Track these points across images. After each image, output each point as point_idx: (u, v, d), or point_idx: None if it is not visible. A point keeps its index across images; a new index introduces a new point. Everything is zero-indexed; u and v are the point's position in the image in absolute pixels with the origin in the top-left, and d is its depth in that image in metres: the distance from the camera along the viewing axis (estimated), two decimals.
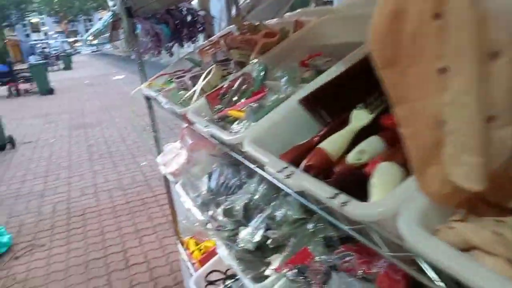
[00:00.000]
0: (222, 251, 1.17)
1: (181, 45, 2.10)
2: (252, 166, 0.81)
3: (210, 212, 1.20)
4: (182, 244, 2.27)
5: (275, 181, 0.70)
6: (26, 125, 8.41)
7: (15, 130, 7.76)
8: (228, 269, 1.81)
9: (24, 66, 17.15)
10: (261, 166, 0.77)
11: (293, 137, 0.84)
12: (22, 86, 13.44)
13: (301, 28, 1.40)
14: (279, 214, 1.03)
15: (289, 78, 1.06)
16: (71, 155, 5.84)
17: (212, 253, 2.03)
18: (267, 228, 1.05)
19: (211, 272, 1.84)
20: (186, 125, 1.88)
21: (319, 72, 1.10)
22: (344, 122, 0.75)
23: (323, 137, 0.75)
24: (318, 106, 0.79)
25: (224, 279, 1.80)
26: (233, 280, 1.76)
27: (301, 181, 0.59)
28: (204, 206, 1.40)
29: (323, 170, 0.68)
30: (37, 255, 3.14)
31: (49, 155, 5.94)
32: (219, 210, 1.21)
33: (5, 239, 3.29)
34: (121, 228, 3.46)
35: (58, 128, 7.89)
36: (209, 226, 1.29)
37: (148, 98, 2.01)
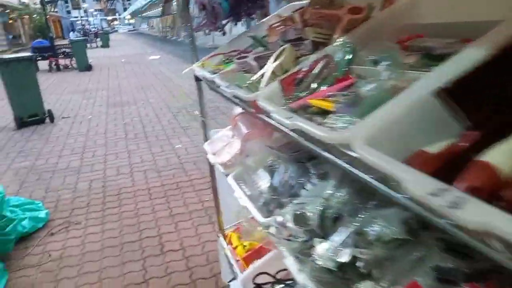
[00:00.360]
0: (291, 264, 0.99)
1: (236, 23, 1.90)
2: (365, 177, 0.62)
3: (279, 218, 1.01)
4: (225, 237, 2.12)
5: (418, 208, 0.50)
6: (65, 100, 8.54)
7: (54, 104, 7.90)
8: (279, 272, 1.64)
9: (64, 42, 17.52)
10: (383, 179, 0.57)
11: (416, 140, 0.64)
12: (62, 62, 13.73)
13: (392, 3, 1.17)
14: (371, 230, 0.84)
15: (393, 63, 0.85)
16: (107, 133, 5.84)
17: (258, 251, 1.87)
18: (354, 246, 0.86)
19: (258, 274, 1.68)
20: (240, 111, 1.70)
21: (431, 57, 0.89)
22: (506, 125, 0.54)
23: (476, 145, 0.55)
24: (465, 101, 0.59)
25: (273, 283, 1.63)
26: (283, 285, 1.60)
27: (487, 216, 0.39)
28: (264, 206, 1.22)
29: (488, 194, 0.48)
30: (73, 233, 3.10)
31: (86, 131, 5.96)
32: (288, 216, 1.03)
33: (42, 214, 3.27)
34: (156, 212, 3.37)
35: (96, 104, 7.95)
36: (271, 230, 1.11)
37: (198, 80, 1.84)
